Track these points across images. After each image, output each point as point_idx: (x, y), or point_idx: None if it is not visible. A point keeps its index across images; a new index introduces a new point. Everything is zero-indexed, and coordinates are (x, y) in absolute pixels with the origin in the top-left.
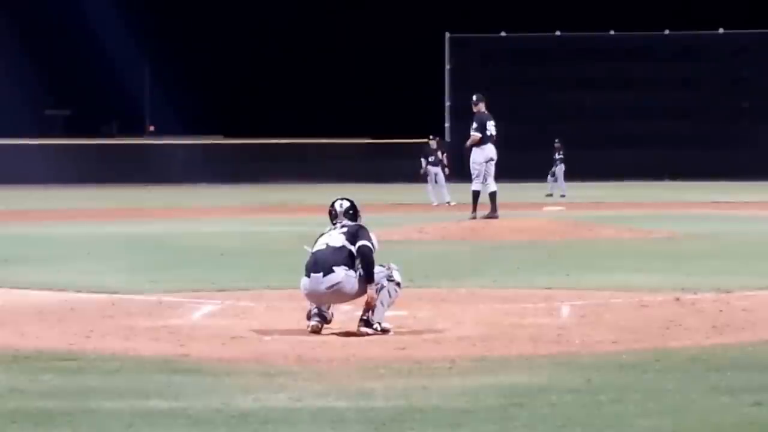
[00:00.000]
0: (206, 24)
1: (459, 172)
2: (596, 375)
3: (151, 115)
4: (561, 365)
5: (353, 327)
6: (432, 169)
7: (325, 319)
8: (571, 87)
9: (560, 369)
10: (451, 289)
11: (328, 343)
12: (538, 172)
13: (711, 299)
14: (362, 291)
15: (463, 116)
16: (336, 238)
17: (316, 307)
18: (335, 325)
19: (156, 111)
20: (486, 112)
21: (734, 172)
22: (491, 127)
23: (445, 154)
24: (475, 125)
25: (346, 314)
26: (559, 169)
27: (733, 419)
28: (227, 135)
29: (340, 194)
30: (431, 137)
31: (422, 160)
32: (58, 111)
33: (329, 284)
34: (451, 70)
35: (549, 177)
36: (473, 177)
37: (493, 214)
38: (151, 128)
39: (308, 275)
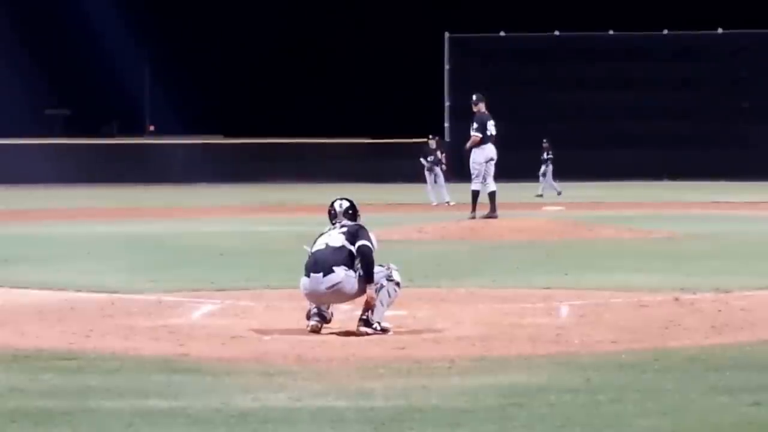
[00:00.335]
0: (206, 24)
1: (458, 172)
2: (595, 375)
3: (151, 114)
4: (560, 365)
5: (353, 326)
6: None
7: (324, 319)
8: (571, 87)
9: (559, 369)
10: (450, 288)
11: (327, 343)
12: (537, 172)
13: (710, 299)
14: (362, 291)
15: (463, 116)
16: (336, 238)
17: (315, 307)
18: (335, 325)
19: (156, 111)
20: (486, 112)
21: (733, 172)
22: (491, 127)
23: (444, 154)
24: (475, 125)
25: (345, 314)
26: (548, 169)
27: (732, 419)
28: (227, 135)
29: (339, 194)
30: (430, 137)
31: (422, 159)
32: (58, 111)
33: (329, 284)
34: (450, 69)
35: (541, 177)
36: (473, 177)
37: (492, 214)
38: (151, 128)
39: (308, 275)
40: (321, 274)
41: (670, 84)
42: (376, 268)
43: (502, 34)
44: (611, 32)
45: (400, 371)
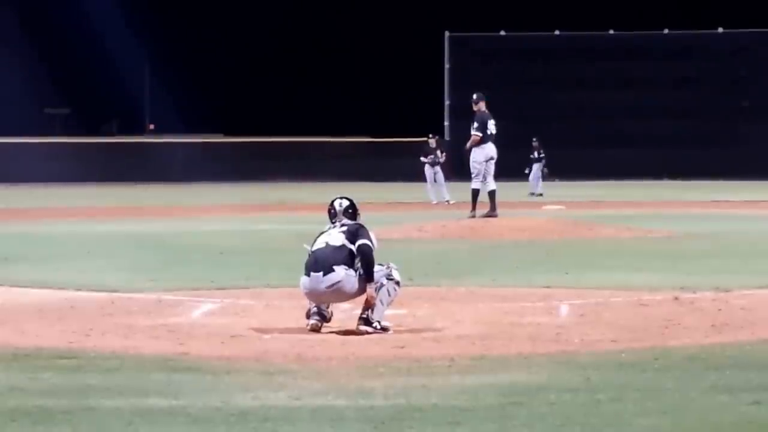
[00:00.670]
0: (206, 23)
1: (458, 171)
2: (595, 374)
3: (151, 113)
4: (560, 364)
5: (353, 325)
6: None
7: (324, 318)
8: (571, 86)
9: (559, 368)
10: (450, 287)
11: (327, 342)
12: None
13: (710, 298)
14: (362, 290)
15: (463, 115)
16: (336, 237)
17: (315, 306)
18: (335, 324)
19: (156, 110)
20: (486, 111)
21: (733, 172)
22: (492, 126)
23: (443, 153)
24: (476, 125)
25: (345, 313)
26: (536, 167)
27: (732, 418)
28: (227, 133)
29: (339, 193)
30: (430, 136)
31: (422, 158)
32: (58, 109)
33: (329, 283)
34: (450, 69)
35: (531, 176)
36: (473, 175)
37: (492, 213)
38: (151, 127)
39: (308, 274)
40: (321, 273)
41: (670, 83)
42: (376, 267)
43: (502, 33)
44: (611, 32)
45: (399, 370)
